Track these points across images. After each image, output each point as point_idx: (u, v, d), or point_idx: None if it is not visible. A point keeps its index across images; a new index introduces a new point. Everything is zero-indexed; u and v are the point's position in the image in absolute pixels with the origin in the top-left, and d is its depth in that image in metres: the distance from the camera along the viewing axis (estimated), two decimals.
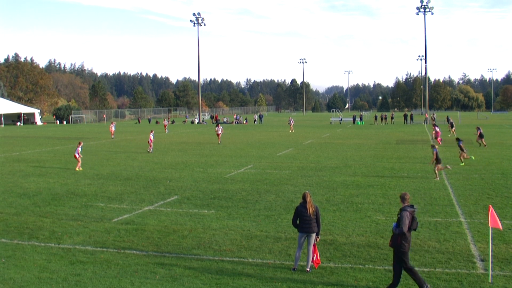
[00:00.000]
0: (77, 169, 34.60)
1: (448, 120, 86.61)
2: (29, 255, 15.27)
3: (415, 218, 12.22)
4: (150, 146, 45.33)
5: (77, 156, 35.37)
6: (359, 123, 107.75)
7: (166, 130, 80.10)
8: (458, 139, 37.18)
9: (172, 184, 27.97)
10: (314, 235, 13.81)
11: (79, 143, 36.67)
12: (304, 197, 13.96)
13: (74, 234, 17.54)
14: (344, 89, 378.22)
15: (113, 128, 65.28)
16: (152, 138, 45.74)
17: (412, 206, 12.35)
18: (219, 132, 55.79)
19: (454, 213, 20.41)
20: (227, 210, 21.15)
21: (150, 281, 12.95)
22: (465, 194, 24.46)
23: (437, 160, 29.53)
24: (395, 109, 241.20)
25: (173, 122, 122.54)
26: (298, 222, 13.87)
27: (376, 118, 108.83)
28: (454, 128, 67.29)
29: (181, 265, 14.17)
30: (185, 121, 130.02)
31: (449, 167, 31.05)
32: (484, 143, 47.59)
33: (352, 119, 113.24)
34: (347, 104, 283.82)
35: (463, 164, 35.25)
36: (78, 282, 12.94)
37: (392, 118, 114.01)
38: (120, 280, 13.06)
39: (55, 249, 15.90)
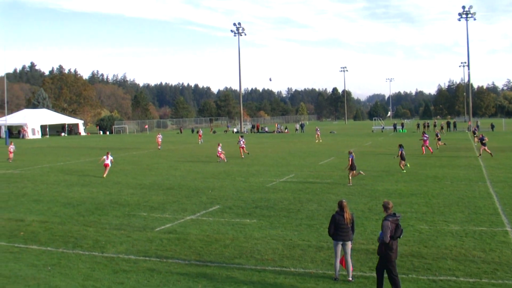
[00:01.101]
0: (104, 175, 36.31)
1: (477, 127, 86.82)
2: (73, 263, 15.46)
3: (399, 226, 12.40)
4: (221, 158, 45.45)
5: (109, 164, 37.12)
6: (401, 131, 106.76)
7: (200, 141, 76.63)
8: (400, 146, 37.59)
9: (214, 194, 28.09)
10: (349, 243, 13.75)
11: (108, 153, 38.48)
12: (341, 206, 13.85)
13: (117, 243, 17.71)
14: (386, 97, 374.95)
15: (159, 139, 66.02)
16: (220, 150, 45.82)
17: (394, 214, 12.49)
18: (242, 145, 50.42)
19: (499, 222, 20.02)
20: (269, 219, 21.12)
21: None
22: (511, 203, 23.99)
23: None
24: (438, 116, 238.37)
25: (214, 132, 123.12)
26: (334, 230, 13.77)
27: (418, 126, 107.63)
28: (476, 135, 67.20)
29: (223, 275, 14.18)
30: (226, 131, 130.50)
31: (362, 173, 32.28)
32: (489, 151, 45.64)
33: (392, 127, 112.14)
34: (389, 112, 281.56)
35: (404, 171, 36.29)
36: None
37: (434, 125, 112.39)
38: None
39: (99, 257, 16.08)
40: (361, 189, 28.76)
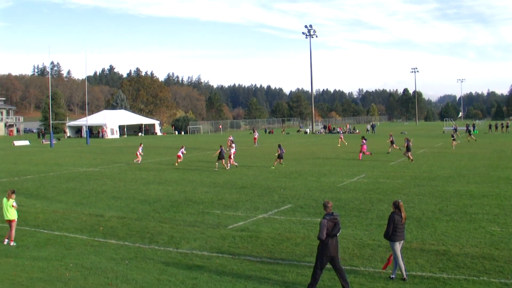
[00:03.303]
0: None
1: (467, 127, 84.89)
2: (149, 258, 15.82)
3: (337, 224, 12.69)
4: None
5: (181, 155, 43.68)
6: (473, 132, 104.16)
7: (256, 144, 71.60)
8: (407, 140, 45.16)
9: (286, 193, 28.15)
10: (403, 241, 13.90)
11: (182, 146, 44.80)
12: (398, 206, 13.73)
13: (192, 240, 18.00)
14: (457, 98, 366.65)
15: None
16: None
17: (332, 214, 12.77)
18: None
19: None
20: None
21: (263, 287, 13.09)
22: None
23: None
24: (511, 117, 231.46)
25: (287, 133, 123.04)
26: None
27: (490, 126, 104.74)
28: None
29: (293, 272, 14.23)
30: (299, 131, 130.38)
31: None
32: (411, 157, 44.26)
33: (465, 128, 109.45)
34: (460, 113, 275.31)
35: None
36: (195, 285, 13.28)
37: (507, 126, 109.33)
38: (235, 285, 13.28)
39: (174, 253, 16.39)
40: (432, 189, 28.29)
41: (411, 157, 43.81)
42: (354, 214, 22.08)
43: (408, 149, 44.13)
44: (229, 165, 40.76)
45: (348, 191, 28.41)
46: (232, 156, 42.44)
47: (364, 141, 49.09)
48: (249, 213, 22.71)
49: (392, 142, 53.86)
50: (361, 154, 47.83)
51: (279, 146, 42.53)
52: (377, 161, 45.08)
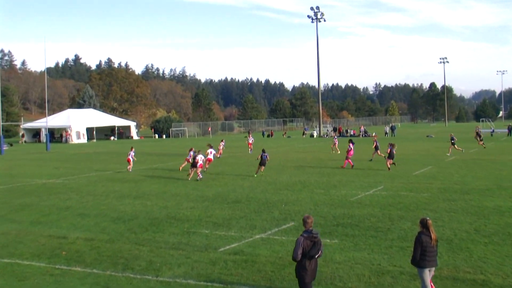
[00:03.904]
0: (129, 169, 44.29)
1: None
2: None
3: (317, 244, 12.90)
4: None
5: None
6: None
7: (250, 150, 70.25)
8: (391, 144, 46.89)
9: (288, 208, 28.13)
10: (434, 269, 13.80)
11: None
12: (425, 224, 13.62)
13: (175, 265, 17.92)
14: (497, 94, 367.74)
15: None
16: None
17: (310, 231, 12.92)
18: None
19: None
20: (353, 240, 21.00)
21: None
22: None
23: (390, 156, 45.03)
24: None
25: (288, 136, 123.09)
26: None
27: None
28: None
29: None
30: (304, 134, 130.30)
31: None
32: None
33: (507, 130, 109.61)
34: (501, 112, 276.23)
35: None
36: None
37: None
38: None
39: (153, 282, 16.29)
40: (466, 205, 28.25)
41: (388, 166, 45.10)
42: (371, 234, 22.03)
43: (390, 156, 45.50)
44: (199, 175, 41.27)
45: (363, 206, 28.41)
46: (206, 163, 43.94)
47: (351, 145, 49.49)
48: (244, 232, 22.66)
49: (376, 148, 54.09)
50: (346, 161, 48.08)
51: (263, 151, 43.97)
52: (397, 170, 45.10)
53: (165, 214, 27.14)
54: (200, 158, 41.87)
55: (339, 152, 65.26)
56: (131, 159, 47.51)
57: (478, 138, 74.49)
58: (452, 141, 60.97)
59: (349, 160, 47.95)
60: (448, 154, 57.71)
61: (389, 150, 45.75)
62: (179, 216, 26.55)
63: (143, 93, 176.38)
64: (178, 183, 39.08)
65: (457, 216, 25.41)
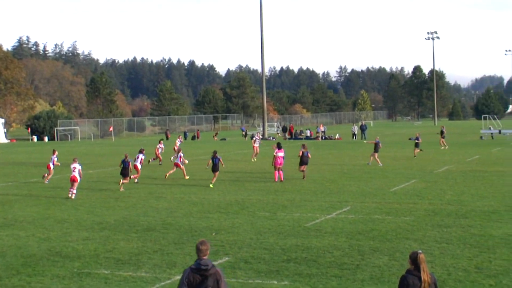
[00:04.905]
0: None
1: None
2: None
3: (207, 280, 13.40)
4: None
5: (51, 166, 44.70)
6: None
7: (159, 159, 66.53)
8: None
9: (221, 238, 28.03)
10: None
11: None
12: (414, 260, 13.38)
13: None
14: (505, 82, 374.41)
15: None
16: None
17: (199, 263, 13.66)
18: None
19: None
20: (309, 281, 20.97)
21: None
22: None
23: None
24: None
25: (222, 139, 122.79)
26: None
27: None
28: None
29: None
30: (245, 135, 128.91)
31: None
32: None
33: None
34: (510, 106, 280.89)
35: None
36: None
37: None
38: None
39: None
40: (463, 233, 28.42)
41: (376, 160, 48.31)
42: (333, 273, 22.00)
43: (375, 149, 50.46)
44: (136, 179, 44.00)
45: (323, 235, 28.44)
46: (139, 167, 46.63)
47: (277, 150, 49.06)
48: (160, 273, 22.46)
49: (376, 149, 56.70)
50: (276, 173, 48.72)
51: (214, 153, 46.89)
52: (369, 185, 45.31)
53: (46, 249, 26.64)
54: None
55: (255, 160, 67.96)
56: (52, 166, 47.83)
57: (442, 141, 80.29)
58: (417, 140, 64.14)
59: (279, 172, 48.55)
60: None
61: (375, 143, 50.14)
62: (66, 252, 26.09)
63: (14, 77, 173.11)
64: (66, 205, 38.51)
65: (452, 248, 25.52)
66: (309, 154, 49.41)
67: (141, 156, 49.83)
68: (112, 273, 22.43)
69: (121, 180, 43.71)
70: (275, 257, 24.31)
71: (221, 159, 46.57)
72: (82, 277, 22.02)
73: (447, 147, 79.82)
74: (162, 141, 67.87)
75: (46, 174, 49.36)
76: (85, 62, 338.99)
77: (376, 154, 58.71)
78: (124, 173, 43.50)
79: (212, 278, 13.04)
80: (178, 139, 66.72)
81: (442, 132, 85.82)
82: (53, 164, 48.87)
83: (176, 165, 50.04)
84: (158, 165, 62.88)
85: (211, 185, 45.01)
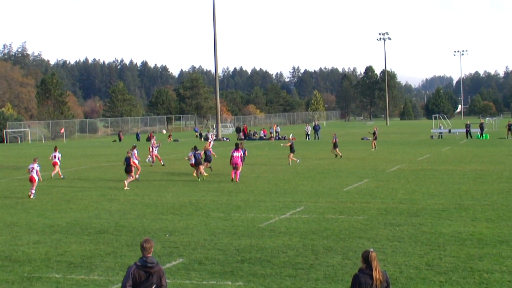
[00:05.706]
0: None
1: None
2: None
3: (152, 277, 13.28)
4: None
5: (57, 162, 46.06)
6: (480, 136, 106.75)
7: (152, 160, 66.29)
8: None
9: (175, 239, 27.99)
10: None
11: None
12: (366, 259, 13.42)
13: None
14: (454, 82, 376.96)
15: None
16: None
17: (145, 260, 13.33)
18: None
19: None
20: (263, 281, 20.99)
21: None
22: None
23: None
24: None
25: (175, 141, 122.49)
26: None
27: (510, 127, 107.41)
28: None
29: None
30: (201, 136, 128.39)
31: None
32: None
33: (465, 130, 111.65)
34: (459, 106, 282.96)
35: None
36: None
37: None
38: None
39: None
40: (414, 231, 28.59)
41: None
42: (288, 273, 22.03)
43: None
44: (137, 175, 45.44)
45: (277, 235, 28.49)
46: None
47: (234, 150, 49.46)
48: (113, 275, 22.36)
49: (335, 145, 57.54)
50: (233, 172, 49.04)
51: (195, 148, 49.45)
52: (323, 185, 45.44)
53: None
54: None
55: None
56: (58, 162, 48.07)
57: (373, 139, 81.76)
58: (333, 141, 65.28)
59: (235, 172, 48.67)
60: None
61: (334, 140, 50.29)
62: (16, 256, 25.86)
63: None
64: (15, 208, 38.24)
65: (403, 246, 25.67)
66: (246, 152, 51.51)
67: (136, 152, 51.18)
68: (64, 277, 22.27)
69: (127, 179, 45.06)
70: (229, 258, 24.31)
71: (201, 154, 49.12)
72: (32, 282, 21.82)
73: (377, 148, 79.62)
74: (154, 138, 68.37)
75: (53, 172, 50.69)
76: (35, 63, 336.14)
77: (292, 155, 60.85)
78: (128, 170, 44.57)
79: (156, 275, 13.10)
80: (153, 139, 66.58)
81: (374, 133, 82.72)
82: (58, 160, 50.79)
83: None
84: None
85: (198, 179, 48.12)
